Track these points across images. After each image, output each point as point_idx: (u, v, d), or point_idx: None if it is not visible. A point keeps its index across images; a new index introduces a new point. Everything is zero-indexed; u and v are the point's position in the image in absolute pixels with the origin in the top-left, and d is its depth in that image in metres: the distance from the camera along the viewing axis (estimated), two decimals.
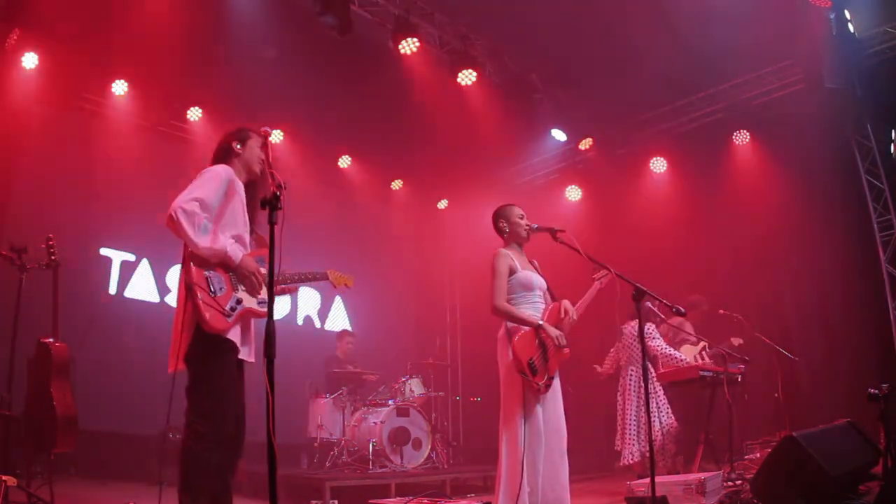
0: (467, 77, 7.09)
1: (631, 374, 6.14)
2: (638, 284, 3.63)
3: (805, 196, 7.10)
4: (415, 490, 5.61)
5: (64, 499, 4.47)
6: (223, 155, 3.27)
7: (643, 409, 5.85)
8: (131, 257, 7.58)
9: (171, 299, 7.68)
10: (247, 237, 3.23)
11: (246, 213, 3.24)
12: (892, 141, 6.81)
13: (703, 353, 6.56)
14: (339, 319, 9.44)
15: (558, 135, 8.64)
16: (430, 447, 6.94)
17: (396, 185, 10.16)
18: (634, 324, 6.20)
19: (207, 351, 2.94)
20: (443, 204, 10.52)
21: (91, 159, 7.15)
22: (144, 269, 7.66)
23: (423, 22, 6.89)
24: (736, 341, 6.42)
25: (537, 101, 7.88)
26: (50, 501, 4.06)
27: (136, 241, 7.50)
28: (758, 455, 5.77)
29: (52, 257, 4.60)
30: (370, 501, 4.95)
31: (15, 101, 6.68)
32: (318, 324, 9.25)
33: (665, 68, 7.04)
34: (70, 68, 6.96)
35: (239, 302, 3.05)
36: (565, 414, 3.77)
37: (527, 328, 3.71)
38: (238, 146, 3.28)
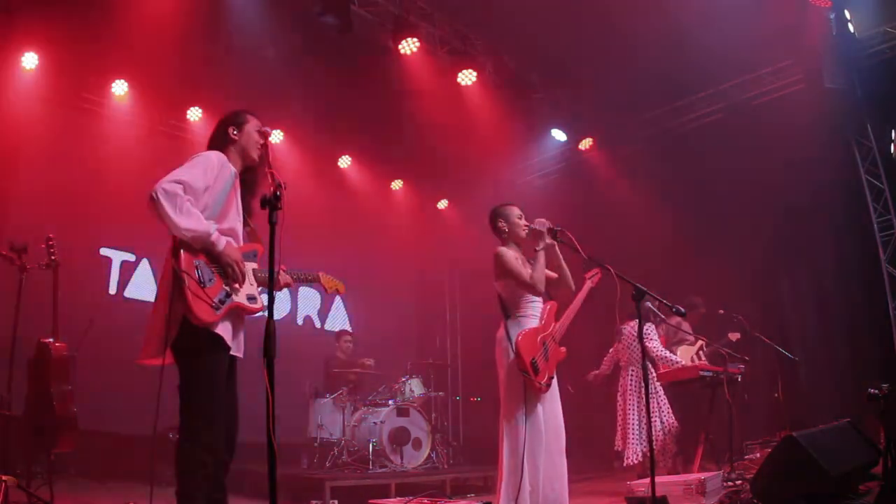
0: (467, 77, 7.10)
1: (631, 375, 6.14)
2: (638, 284, 3.63)
3: (805, 196, 7.09)
4: (415, 490, 5.61)
5: (64, 499, 4.47)
6: (219, 141, 3.14)
7: (644, 409, 5.85)
8: (131, 257, 7.58)
9: None
10: (239, 228, 3.09)
11: (240, 204, 3.11)
12: (892, 141, 6.81)
13: (701, 352, 6.57)
14: (339, 319, 9.45)
15: (558, 135, 8.64)
16: (430, 447, 6.94)
17: (396, 185, 10.16)
18: (633, 324, 6.20)
19: (197, 346, 2.82)
20: (443, 204, 10.52)
21: (91, 159, 7.15)
22: (144, 269, 7.66)
23: (423, 22, 6.90)
24: (733, 336, 6.43)
25: (537, 101, 7.89)
26: (50, 501, 4.05)
27: (136, 241, 7.49)
28: (758, 455, 5.77)
29: (52, 257, 4.60)
30: (370, 501, 4.95)
31: (15, 101, 6.68)
32: (318, 324, 9.25)
33: (665, 68, 7.04)
34: (70, 68, 6.96)
35: (228, 295, 2.91)
36: (564, 413, 3.78)
37: (527, 328, 3.71)
38: (234, 132, 3.13)
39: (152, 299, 8.11)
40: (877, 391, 3.77)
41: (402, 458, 6.63)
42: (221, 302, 2.88)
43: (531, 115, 7.81)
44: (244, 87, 6.87)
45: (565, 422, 3.76)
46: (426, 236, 10.47)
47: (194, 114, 7.93)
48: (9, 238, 4.71)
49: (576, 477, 3.80)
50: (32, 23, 6.25)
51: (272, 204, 2.48)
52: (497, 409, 3.77)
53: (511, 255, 3.84)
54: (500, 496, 3.57)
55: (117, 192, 7.14)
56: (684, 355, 6.57)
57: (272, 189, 2.51)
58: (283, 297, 8.53)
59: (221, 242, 2.90)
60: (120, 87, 7.37)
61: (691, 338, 6.65)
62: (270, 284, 2.49)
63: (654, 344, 6.07)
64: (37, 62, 6.65)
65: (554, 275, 3.94)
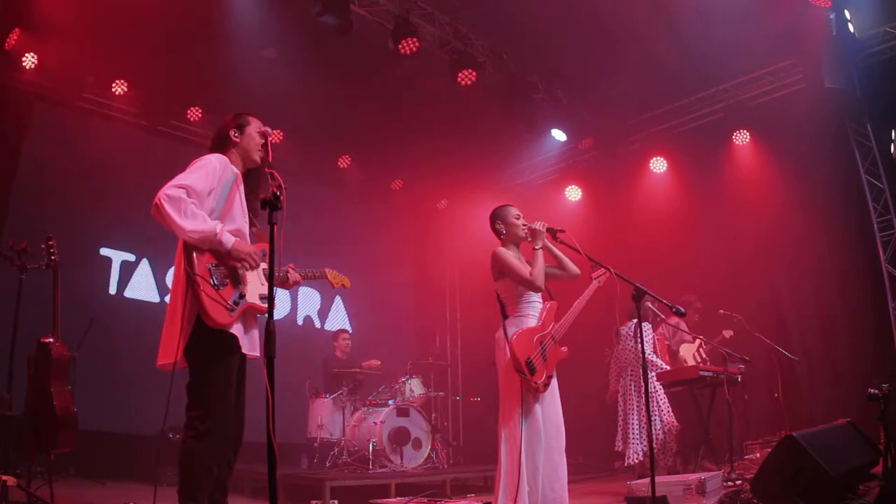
0: (467, 77, 7.09)
1: (631, 375, 6.14)
2: (638, 284, 3.64)
3: (805, 196, 7.10)
4: (415, 490, 5.62)
5: (64, 499, 4.47)
6: (220, 144, 3.15)
7: (644, 408, 5.86)
8: (131, 257, 7.58)
9: None
10: (246, 229, 3.11)
11: (244, 205, 3.12)
12: (892, 141, 6.81)
13: (701, 350, 6.57)
14: (339, 319, 9.44)
15: (558, 135, 8.64)
16: (430, 447, 6.94)
17: (396, 185, 10.15)
18: (631, 324, 6.22)
19: (210, 347, 2.85)
20: (443, 204, 10.51)
21: (91, 159, 7.14)
22: (144, 269, 7.66)
23: (423, 22, 6.89)
24: (727, 333, 6.44)
25: (537, 101, 7.88)
26: (50, 501, 4.05)
27: (136, 241, 7.49)
28: (758, 455, 5.76)
29: (52, 257, 4.60)
30: (370, 501, 4.95)
31: (15, 100, 6.68)
32: (318, 324, 9.26)
33: (665, 68, 7.04)
34: (70, 68, 6.97)
35: (242, 296, 2.95)
36: (564, 413, 3.77)
37: (524, 328, 3.71)
38: (236, 134, 3.14)
39: (152, 299, 8.18)
40: (877, 391, 3.78)
41: (402, 458, 6.63)
42: (235, 303, 2.92)
43: (531, 115, 7.79)
44: (244, 87, 6.88)
45: (565, 422, 3.75)
46: (426, 236, 10.47)
47: (194, 114, 7.94)
48: (9, 238, 4.71)
49: (576, 477, 3.80)
50: (32, 22, 6.25)
51: (272, 204, 2.50)
52: (497, 409, 3.77)
53: (510, 254, 3.85)
54: (499, 496, 3.56)
55: (117, 192, 7.15)
56: (686, 353, 6.59)
57: (272, 189, 2.52)
58: (283, 296, 8.54)
59: (229, 240, 2.91)
60: (120, 88, 7.38)
61: (689, 336, 6.66)
62: (270, 285, 2.50)
63: (645, 347, 6.08)
64: (37, 62, 6.64)
65: (556, 271, 3.95)
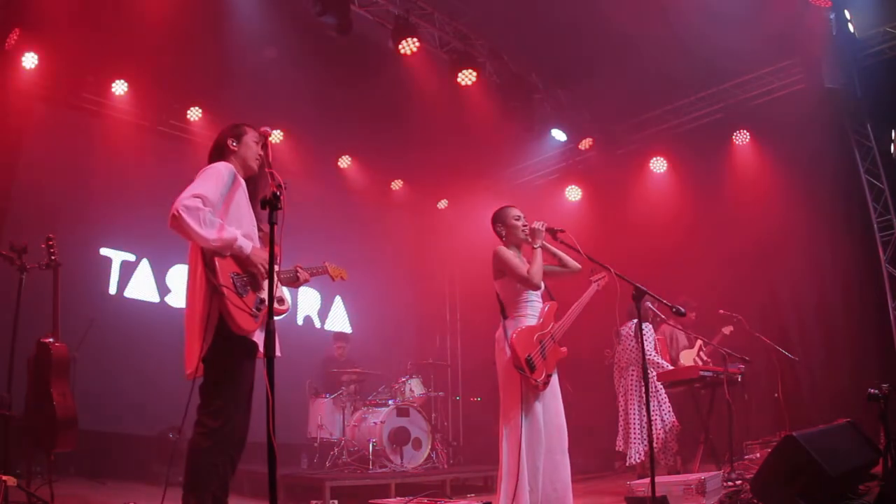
0: (467, 77, 7.09)
1: (632, 375, 6.15)
2: (638, 284, 3.64)
3: (805, 196, 7.10)
4: (415, 490, 5.61)
5: (64, 499, 4.47)
6: (219, 153, 3.21)
7: (645, 408, 5.85)
8: (131, 257, 7.58)
9: (171, 299, 7.68)
10: (255, 234, 3.16)
11: (251, 210, 3.19)
12: (893, 141, 6.81)
13: (701, 352, 6.57)
14: (339, 319, 9.45)
15: (558, 135, 8.64)
16: (430, 447, 6.94)
17: (396, 185, 10.15)
18: (631, 324, 6.22)
19: (231, 353, 2.92)
20: (443, 204, 10.51)
21: (91, 159, 7.15)
22: (144, 269, 7.66)
23: (423, 22, 6.89)
24: (727, 329, 6.44)
25: (537, 101, 7.89)
26: (50, 501, 4.06)
27: (136, 241, 7.49)
28: (758, 455, 5.77)
29: (52, 257, 4.60)
30: (370, 501, 4.95)
31: (15, 100, 6.68)
32: (318, 324, 9.25)
33: (665, 68, 7.05)
34: (70, 68, 6.97)
35: (262, 301, 3.02)
36: (565, 413, 3.77)
37: (524, 326, 3.71)
38: (234, 143, 3.21)
39: (152, 299, 8.15)
40: (877, 391, 3.78)
41: (401, 458, 6.63)
42: (258, 309, 2.99)
43: (531, 115, 7.79)
44: (244, 87, 6.88)
45: (567, 421, 3.75)
46: (426, 236, 10.47)
47: (194, 114, 7.94)
48: (9, 238, 4.71)
49: (576, 477, 3.79)
50: (32, 22, 6.24)
51: (272, 204, 2.51)
52: (497, 409, 3.77)
53: (510, 253, 3.87)
54: (500, 496, 3.56)
55: (117, 192, 7.16)
56: (686, 360, 6.58)
57: (272, 189, 2.53)
58: (283, 290, 8.53)
59: (248, 246, 3.00)
60: (120, 87, 7.37)
61: (687, 341, 6.66)
62: (270, 285, 2.51)
63: (647, 347, 6.08)
64: (37, 62, 6.64)
65: (557, 268, 3.96)
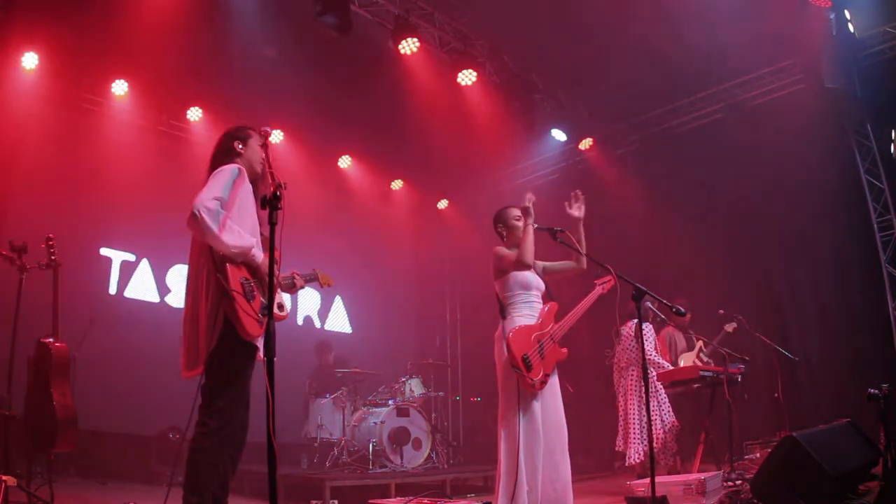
0: (467, 77, 7.09)
1: (632, 375, 6.14)
2: (638, 284, 3.64)
3: (805, 196, 7.09)
4: (415, 490, 5.61)
5: (64, 499, 4.47)
6: (224, 155, 3.21)
7: (645, 408, 5.85)
8: (131, 257, 7.58)
9: (171, 299, 7.68)
10: (258, 237, 3.19)
11: (255, 213, 3.21)
12: (893, 141, 6.81)
13: (701, 355, 6.56)
14: (338, 319, 9.45)
15: (558, 135, 8.64)
16: (430, 447, 6.94)
17: (396, 185, 10.15)
18: (631, 324, 6.21)
19: (236, 355, 2.95)
20: (443, 204, 10.51)
21: (91, 159, 7.14)
22: (144, 269, 7.66)
23: (423, 22, 6.89)
24: (730, 327, 6.43)
25: (537, 101, 7.88)
26: (50, 501, 4.06)
27: (136, 241, 7.49)
28: (758, 455, 5.76)
29: (52, 257, 4.60)
30: (370, 501, 4.95)
31: (15, 100, 6.68)
32: (318, 324, 9.25)
33: (665, 68, 7.05)
34: (70, 68, 6.96)
35: (266, 307, 3.01)
36: (565, 413, 3.77)
37: (521, 325, 3.70)
38: (240, 146, 3.23)
39: (152, 299, 8.15)
40: (877, 391, 3.78)
41: (402, 458, 6.62)
42: (263, 314, 3.01)
43: (531, 115, 7.79)
44: (244, 86, 6.88)
45: (567, 421, 3.75)
46: (426, 236, 10.47)
47: (194, 114, 7.93)
48: (9, 238, 4.70)
49: (576, 477, 3.79)
50: (32, 22, 6.24)
51: (272, 204, 2.52)
52: (497, 409, 3.77)
53: (506, 250, 3.88)
54: (499, 497, 3.56)
55: (117, 192, 7.15)
56: (686, 362, 6.57)
57: (272, 189, 2.54)
58: (284, 298, 8.53)
59: (260, 255, 3.05)
60: (120, 87, 7.37)
61: (685, 343, 6.65)
62: (270, 285, 2.51)
63: (648, 347, 6.08)
64: (37, 62, 6.64)
65: (563, 265, 3.98)
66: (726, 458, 5.52)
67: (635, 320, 5.38)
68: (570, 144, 8.96)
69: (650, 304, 5.97)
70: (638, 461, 5.89)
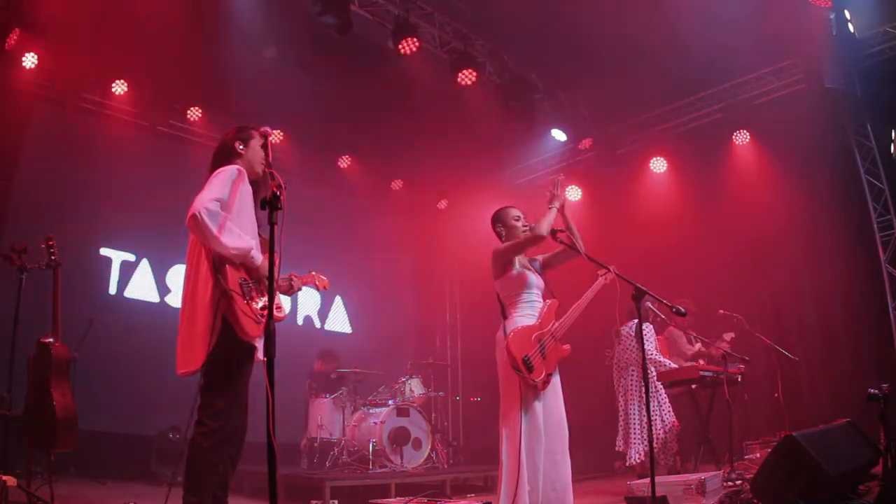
0: (467, 77, 7.09)
1: (632, 375, 6.14)
2: (638, 284, 3.63)
3: (805, 196, 7.09)
4: (415, 490, 5.61)
5: (64, 499, 4.47)
6: (225, 156, 3.21)
7: (645, 408, 5.85)
8: (131, 257, 7.58)
9: (171, 299, 7.68)
10: (256, 238, 3.19)
11: (254, 214, 3.21)
12: (893, 141, 6.81)
13: (701, 358, 6.54)
14: (338, 319, 9.45)
15: (558, 135, 8.64)
16: (430, 447, 6.94)
17: (396, 185, 10.15)
18: (632, 324, 6.21)
19: (234, 355, 2.95)
20: (443, 204, 10.51)
21: (91, 159, 7.15)
22: (144, 269, 7.66)
23: (423, 22, 6.89)
24: (728, 336, 6.42)
25: (537, 101, 7.88)
26: (50, 501, 4.05)
27: (136, 241, 7.50)
28: (758, 455, 5.76)
29: (52, 257, 4.59)
30: (370, 501, 4.95)
31: (15, 100, 6.68)
32: (317, 324, 9.25)
33: (665, 68, 7.05)
34: (70, 68, 6.96)
35: (264, 308, 3.03)
36: (566, 412, 3.77)
37: (520, 326, 3.70)
38: (241, 146, 3.22)
39: (152, 299, 8.14)
40: (877, 391, 3.78)
41: (401, 458, 6.63)
42: (261, 315, 3.01)
43: (531, 115, 7.79)
44: (244, 87, 6.88)
45: (567, 421, 3.75)
46: (426, 236, 10.47)
47: (194, 114, 7.94)
48: (9, 238, 4.70)
49: (576, 477, 3.79)
50: (33, 22, 6.24)
51: (272, 204, 2.51)
52: (497, 409, 3.77)
53: (508, 243, 3.87)
54: (500, 496, 3.56)
55: (117, 192, 7.16)
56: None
57: (272, 189, 2.53)
58: (285, 298, 8.54)
59: (259, 257, 3.05)
60: (120, 88, 7.38)
61: (686, 344, 6.64)
62: (270, 285, 2.51)
63: (649, 346, 6.08)
64: (37, 62, 6.64)
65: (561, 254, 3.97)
66: (726, 458, 5.52)
67: (635, 320, 5.38)
68: (570, 144, 8.96)
69: (650, 305, 5.98)
70: (638, 461, 5.89)
